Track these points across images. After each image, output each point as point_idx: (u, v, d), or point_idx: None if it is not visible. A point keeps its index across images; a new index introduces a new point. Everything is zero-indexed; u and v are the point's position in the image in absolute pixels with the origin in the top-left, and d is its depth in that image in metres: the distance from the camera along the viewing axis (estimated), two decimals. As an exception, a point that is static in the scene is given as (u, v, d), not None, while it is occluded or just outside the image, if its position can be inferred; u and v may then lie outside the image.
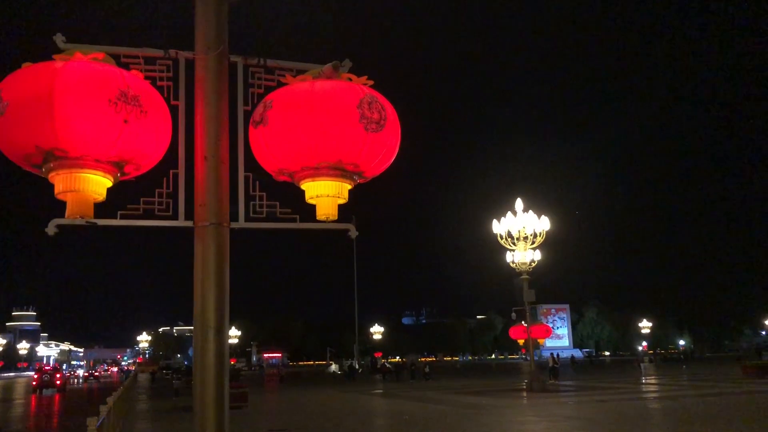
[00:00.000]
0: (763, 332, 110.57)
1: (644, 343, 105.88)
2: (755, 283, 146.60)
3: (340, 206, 5.22)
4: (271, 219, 5.02)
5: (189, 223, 4.79)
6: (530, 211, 33.24)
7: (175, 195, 4.82)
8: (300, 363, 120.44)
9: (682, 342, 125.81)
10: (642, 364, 62.75)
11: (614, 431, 16.48)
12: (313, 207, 5.13)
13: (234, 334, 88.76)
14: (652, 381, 40.21)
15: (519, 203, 33.06)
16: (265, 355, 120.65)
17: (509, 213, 33.31)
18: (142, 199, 4.74)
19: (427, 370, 51.44)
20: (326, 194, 4.86)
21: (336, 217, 5.18)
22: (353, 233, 5.29)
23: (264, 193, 5.01)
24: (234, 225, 4.91)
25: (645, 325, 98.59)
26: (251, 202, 5.03)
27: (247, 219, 4.97)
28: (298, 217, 5.15)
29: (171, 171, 4.82)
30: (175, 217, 4.81)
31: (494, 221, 33.65)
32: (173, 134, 4.84)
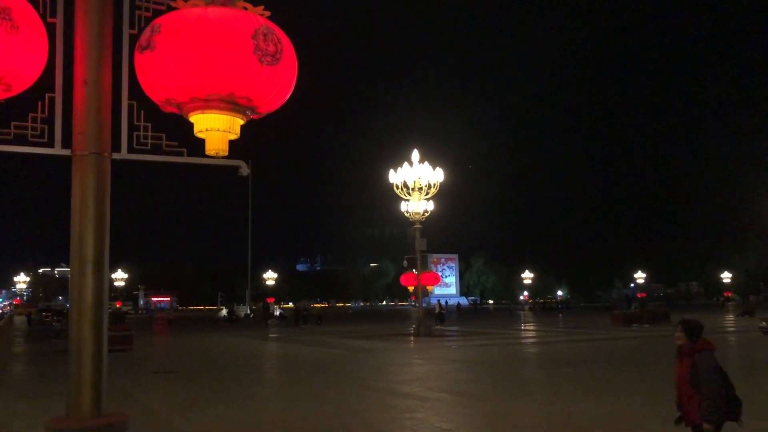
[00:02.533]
0: (632, 284, 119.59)
1: (525, 293, 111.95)
2: (627, 239, 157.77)
3: (232, 143, 5.06)
4: (156, 151, 4.81)
5: (66, 152, 4.51)
6: (426, 163, 33.84)
7: (51, 121, 4.51)
8: (190, 308, 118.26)
9: (560, 292, 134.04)
10: (521, 312, 66.48)
11: (493, 372, 17.47)
12: (202, 141, 4.95)
13: (120, 276, 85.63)
14: (531, 328, 42.70)
15: (415, 154, 33.54)
16: (153, 298, 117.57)
17: (406, 163, 33.75)
18: (13, 124, 4.41)
19: (307, 313, 52.04)
20: (216, 128, 4.69)
21: (227, 153, 5.03)
22: (244, 171, 5.16)
23: (149, 124, 4.78)
24: (116, 156, 4.67)
25: (527, 276, 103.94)
26: (135, 133, 4.79)
27: (131, 150, 4.74)
28: (185, 151, 4.96)
29: (47, 95, 4.49)
30: (50, 144, 4.50)
31: (391, 171, 34.02)
32: (50, 55, 4.49)
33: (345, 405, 12.08)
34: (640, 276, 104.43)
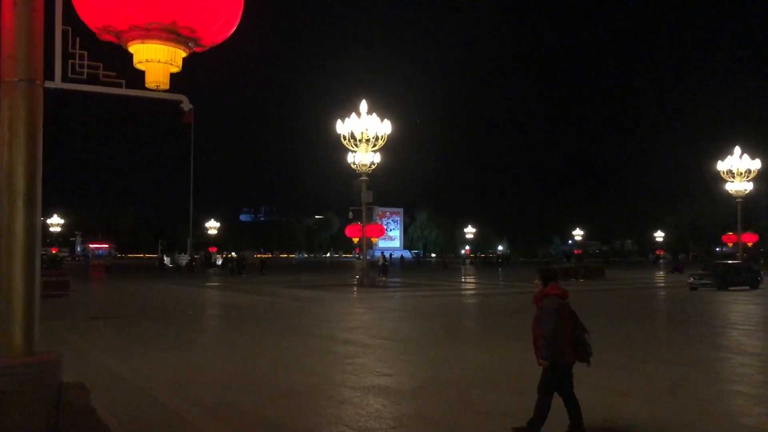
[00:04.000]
0: (570, 241, 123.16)
1: (467, 247, 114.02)
2: (566, 198, 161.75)
3: (174, 84, 4.88)
4: (92, 82, 4.60)
5: (-6, 77, 4.26)
6: (374, 114, 33.59)
7: (-24, 44, 4.24)
8: (130, 255, 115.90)
9: (500, 247, 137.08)
10: (460, 265, 67.79)
11: (434, 321, 17.84)
12: (142, 74, 4.76)
13: (56, 222, 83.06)
14: (472, 280, 43.65)
15: (363, 105, 33.22)
16: (91, 245, 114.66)
17: (353, 114, 33.43)
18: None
19: (246, 263, 51.94)
20: (157, 59, 4.51)
21: (167, 87, 4.87)
22: (186, 105, 5.00)
23: (85, 52, 4.57)
24: (49, 84, 4.46)
25: (469, 231, 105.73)
26: (70, 61, 4.57)
27: (65, 79, 4.52)
28: (124, 82, 4.77)
29: (-29, 15, 4.21)
30: (-24, 69, 4.25)
31: (338, 121, 33.66)
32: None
33: (286, 351, 12.15)
34: (578, 233, 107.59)
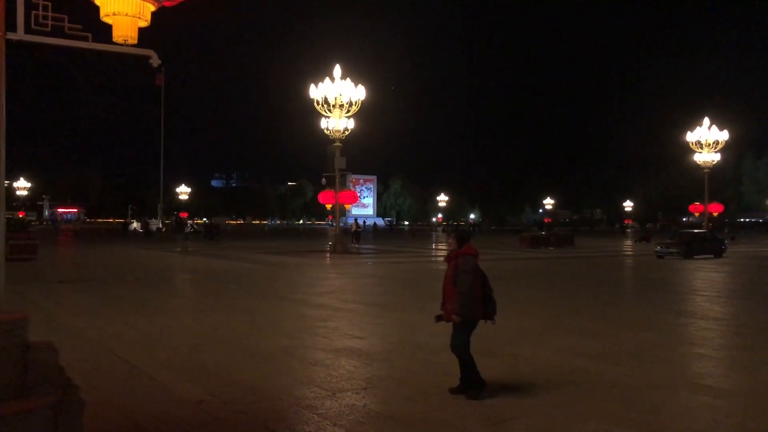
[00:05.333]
0: (541, 210, 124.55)
1: (440, 215, 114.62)
2: (537, 167, 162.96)
3: (142, 32, 4.75)
4: (57, 34, 4.46)
5: (-48, 27, 4.11)
6: (348, 79, 33.23)
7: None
8: (99, 220, 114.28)
9: (472, 215, 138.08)
10: (432, 233, 68.15)
11: (405, 286, 17.95)
12: (109, 27, 4.62)
13: (22, 185, 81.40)
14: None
15: (337, 70, 32.83)
16: (59, 210, 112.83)
17: (327, 79, 33.04)
18: None
19: (219, 230, 51.82)
20: (125, 12, 4.39)
21: (135, 41, 4.74)
22: (155, 61, 4.88)
23: (49, 3, 4.41)
24: (11, 36, 4.30)
25: (442, 199, 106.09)
26: (33, 12, 4.41)
27: (28, 31, 4.37)
28: (90, 36, 4.63)
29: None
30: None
31: (312, 86, 33.26)
32: None
33: (258, 314, 12.17)
34: (548, 202, 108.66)
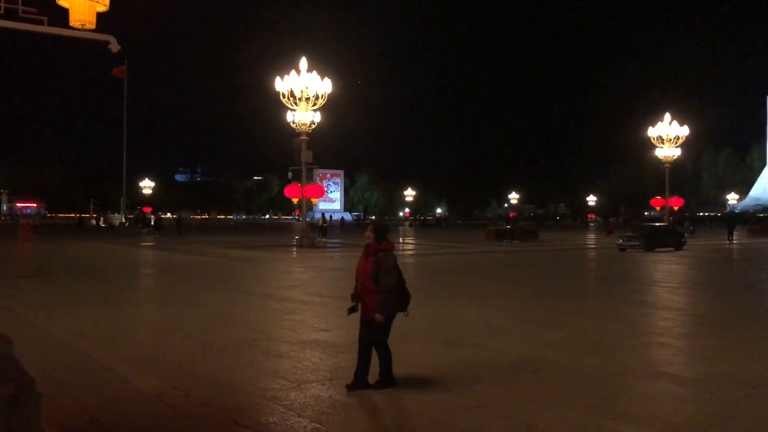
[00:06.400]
0: (506, 204, 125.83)
1: (407, 209, 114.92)
2: (503, 162, 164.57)
3: (102, 18, 4.63)
4: (10, 17, 4.32)
5: None
6: (314, 72, 33.04)
7: None
8: (60, 215, 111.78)
9: (439, 210, 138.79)
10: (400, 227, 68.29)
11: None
12: (66, 12, 4.49)
13: (-22, 180, 79.19)
14: (411, 242, 44.06)
15: (303, 62, 32.61)
16: (18, 204, 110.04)
17: (293, 71, 32.80)
18: None
19: (167, 224, 51.46)
20: (82, -5, 4.26)
21: (94, 26, 4.61)
22: (114, 47, 4.77)
23: (2, -16, 4.27)
24: (-38, 18, 4.15)
25: (409, 194, 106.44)
26: (-15, -7, 4.26)
27: (-20, 13, 4.22)
28: (46, 19, 4.50)
29: None
30: None
31: (277, 78, 32.98)
32: None
33: (223, 308, 12.03)
34: (513, 197, 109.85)
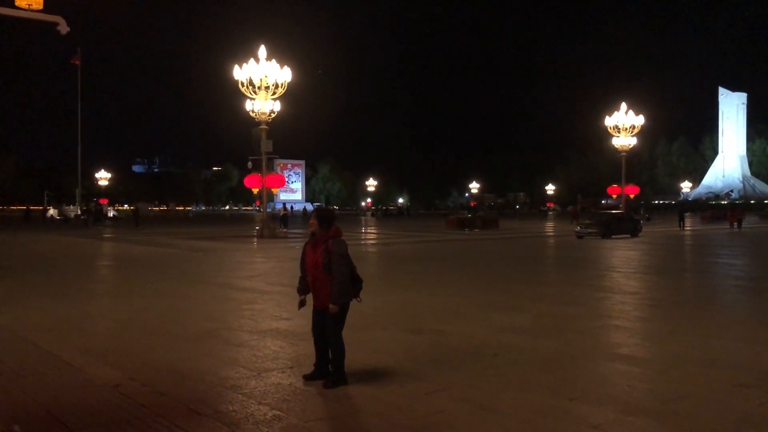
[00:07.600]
0: (467, 194, 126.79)
1: (369, 200, 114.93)
2: (464, 151, 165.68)
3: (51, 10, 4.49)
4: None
5: None
6: (273, 61, 32.69)
7: None
8: (12, 207, 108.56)
9: (401, 200, 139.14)
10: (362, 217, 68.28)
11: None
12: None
13: (-76, 171, 76.34)
14: (373, 231, 44.13)
15: (262, 50, 32.22)
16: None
17: (252, 60, 32.40)
18: None
19: (111, 215, 50.79)
20: (27, -26, 4.12)
21: (41, 7, 4.47)
22: (63, 28, 4.65)
23: (-58, -39, 4.10)
24: None
25: (371, 183, 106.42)
26: (-76, -30, 4.08)
27: None
28: (-10, -1, 4.32)
29: None
30: None
31: (236, 67, 32.54)
32: None
33: (182, 299, 11.87)
34: (474, 186, 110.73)
